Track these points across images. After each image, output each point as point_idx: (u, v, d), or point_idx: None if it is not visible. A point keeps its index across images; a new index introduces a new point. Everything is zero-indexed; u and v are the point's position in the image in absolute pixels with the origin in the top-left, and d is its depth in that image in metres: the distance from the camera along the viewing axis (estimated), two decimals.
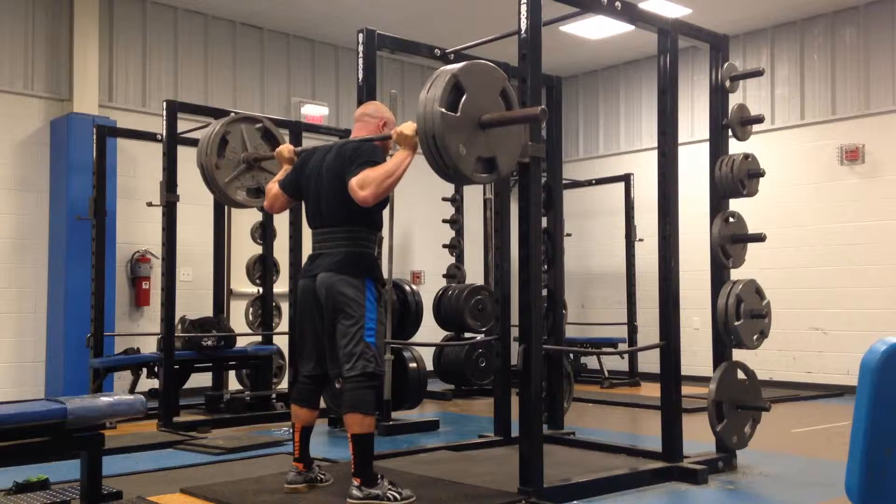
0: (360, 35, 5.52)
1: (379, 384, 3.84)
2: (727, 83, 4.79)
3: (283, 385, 7.59)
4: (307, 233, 4.37)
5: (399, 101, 5.89)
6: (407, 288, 7.07)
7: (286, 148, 4.32)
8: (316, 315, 3.86)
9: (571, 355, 9.02)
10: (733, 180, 4.60)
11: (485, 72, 3.58)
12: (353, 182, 3.64)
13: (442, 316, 8.29)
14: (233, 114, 5.59)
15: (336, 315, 3.72)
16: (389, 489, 3.58)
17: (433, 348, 8.50)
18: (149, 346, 7.38)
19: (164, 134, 6.21)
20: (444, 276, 9.32)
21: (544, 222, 4.93)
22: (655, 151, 4.69)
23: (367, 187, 3.60)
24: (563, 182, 6.14)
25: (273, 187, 4.14)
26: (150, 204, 7.35)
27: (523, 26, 3.84)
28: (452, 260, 9.46)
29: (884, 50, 8.53)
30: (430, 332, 8.28)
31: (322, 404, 4.13)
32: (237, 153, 5.25)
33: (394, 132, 3.72)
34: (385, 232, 4.10)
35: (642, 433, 6.06)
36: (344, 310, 3.69)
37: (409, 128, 3.61)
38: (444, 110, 3.37)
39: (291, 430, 3.95)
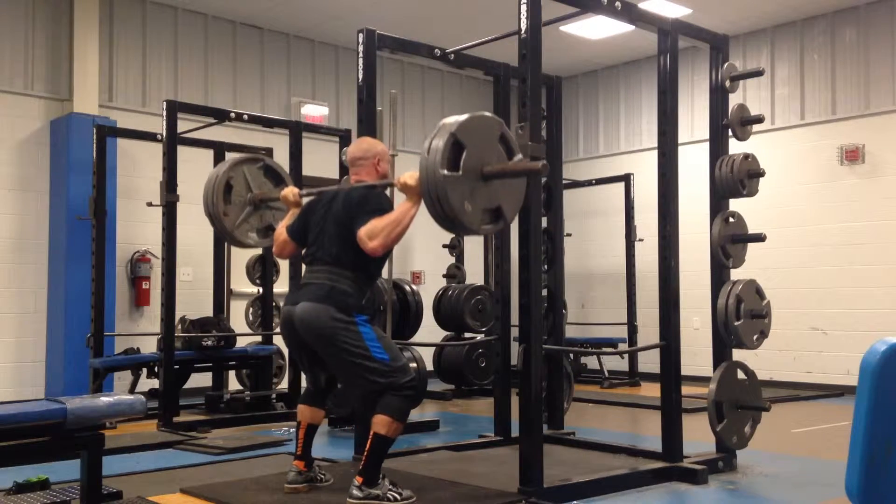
0: (360, 35, 5.50)
1: (417, 393, 3.82)
2: (727, 83, 4.79)
3: (283, 385, 7.58)
4: None
5: (399, 101, 5.87)
6: (407, 288, 7.06)
7: (291, 191, 4.30)
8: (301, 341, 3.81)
9: (571, 355, 9.02)
10: (733, 180, 4.60)
11: (481, 123, 3.54)
12: (362, 233, 3.63)
13: (442, 316, 8.29)
14: (237, 156, 5.41)
15: (327, 348, 3.67)
16: (390, 489, 3.58)
17: (433, 348, 8.50)
18: (149, 346, 7.38)
19: (164, 134, 6.21)
20: (444, 276, 9.32)
21: (544, 222, 4.93)
22: (655, 151, 4.69)
23: (375, 238, 3.60)
24: (563, 182, 6.14)
25: (281, 234, 4.12)
26: (150, 204, 7.35)
27: (523, 26, 3.84)
28: (452, 260, 9.46)
29: (884, 50, 8.53)
30: (430, 332, 8.27)
31: None
32: (242, 196, 5.23)
33: (397, 182, 3.68)
34: None
35: (642, 433, 6.06)
36: (336, 343, 3.62)
37: (412, 178, 3.57)
38: (446, 172, 3.33)
39: (296, 428, 3.94)
